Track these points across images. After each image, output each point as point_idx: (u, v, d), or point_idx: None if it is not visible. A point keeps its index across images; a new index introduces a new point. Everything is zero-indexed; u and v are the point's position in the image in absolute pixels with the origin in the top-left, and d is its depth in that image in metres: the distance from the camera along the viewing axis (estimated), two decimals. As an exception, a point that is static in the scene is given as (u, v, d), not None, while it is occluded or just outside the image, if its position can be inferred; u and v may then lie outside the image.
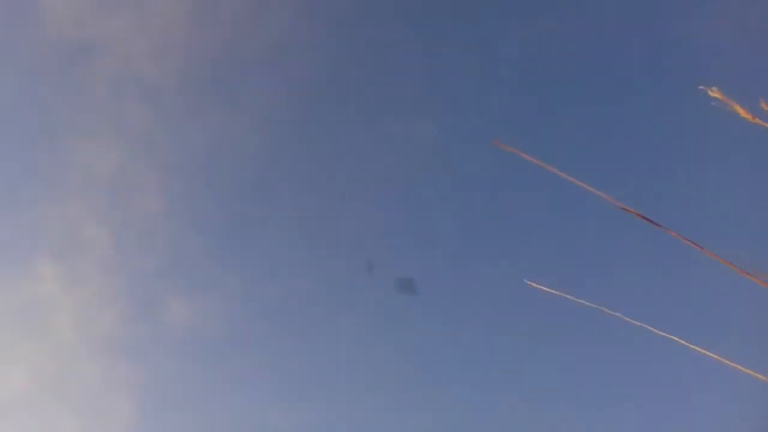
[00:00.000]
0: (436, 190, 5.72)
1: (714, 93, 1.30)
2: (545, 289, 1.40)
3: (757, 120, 1.38)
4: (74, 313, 6.36)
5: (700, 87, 1.24)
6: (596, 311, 1.44)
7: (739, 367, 1.25)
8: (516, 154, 1.36)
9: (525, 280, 1.41)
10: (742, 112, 1.35)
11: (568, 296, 1.42)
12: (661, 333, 1.38)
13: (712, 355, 1.29)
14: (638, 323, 1.38)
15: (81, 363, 6.16)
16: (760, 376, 1.24)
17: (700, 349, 1.29)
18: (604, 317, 1.39)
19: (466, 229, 5.70)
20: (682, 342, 1.36)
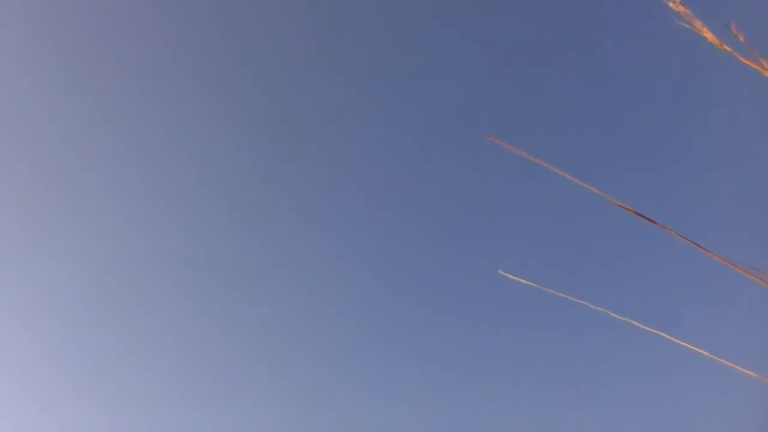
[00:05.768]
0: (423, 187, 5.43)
1: (675, 6, 1.11)
2: (520, 280, 1.13)
3: (725, 47, 1.21)
4: None
5: (661, -2, 1.06)
6: (582, 306, 1.21)
7: (737, 367, 1.18)
8: (509, 150, 1.20)
9: (499, 271, 1.15)
10: (709, 36, 1.17)
11: (546, 289, 1.15)
12: (653, 330, 1.21)
13: (709, 355, 1.20)
14: (623, 318, 1.18)
15: None
16: (761, 377, 1.17)
17: (697, 349, 1.20)
18: (602, 318, 1.17)
19: (454, 226, 5.38)
20: (679, 341, 1.21)
